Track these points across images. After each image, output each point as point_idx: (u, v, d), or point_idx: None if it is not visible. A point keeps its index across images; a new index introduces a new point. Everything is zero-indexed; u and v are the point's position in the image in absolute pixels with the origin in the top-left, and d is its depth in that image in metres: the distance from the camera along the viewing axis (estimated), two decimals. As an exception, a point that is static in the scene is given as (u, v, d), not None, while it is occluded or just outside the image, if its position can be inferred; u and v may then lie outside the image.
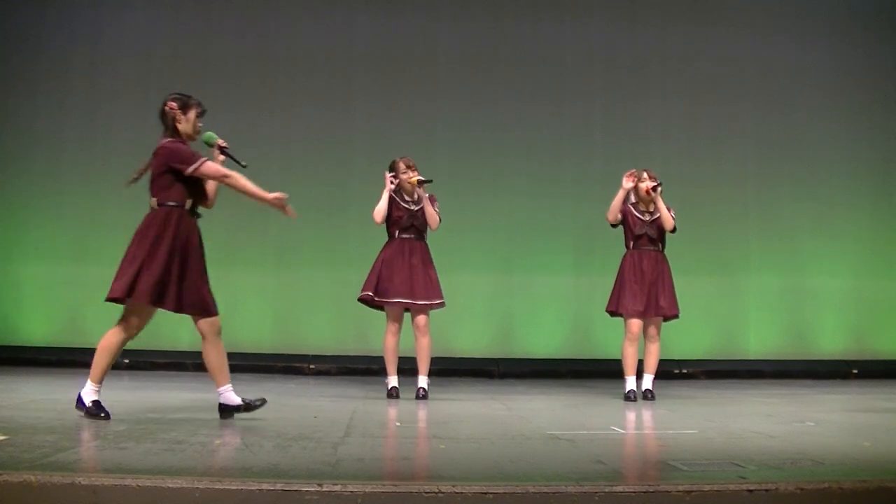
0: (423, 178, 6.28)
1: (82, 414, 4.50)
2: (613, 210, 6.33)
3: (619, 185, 6.34)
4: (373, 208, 6.24)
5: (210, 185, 4.75)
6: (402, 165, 6.35)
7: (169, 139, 4.63)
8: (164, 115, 4.66)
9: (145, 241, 4.50)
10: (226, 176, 4.63)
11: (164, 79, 8.85)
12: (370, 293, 6.18)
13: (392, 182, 6.27)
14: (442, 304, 6.29)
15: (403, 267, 6.20)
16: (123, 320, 4.58)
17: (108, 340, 4.55)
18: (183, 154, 4.58)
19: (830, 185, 9.10)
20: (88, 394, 4.54)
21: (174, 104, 4.65)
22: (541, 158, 8.90)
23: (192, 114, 4.68)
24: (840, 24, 9.33)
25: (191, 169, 4.54)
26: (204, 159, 4.62)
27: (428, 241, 6.38)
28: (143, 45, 8.91)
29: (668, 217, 6.29)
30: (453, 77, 9.00)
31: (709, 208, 8.81)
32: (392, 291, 6.18)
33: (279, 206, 4.65)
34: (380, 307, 6.32)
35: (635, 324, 6.27)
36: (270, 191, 4.64)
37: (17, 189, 8.72)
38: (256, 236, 8.70)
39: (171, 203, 4.56)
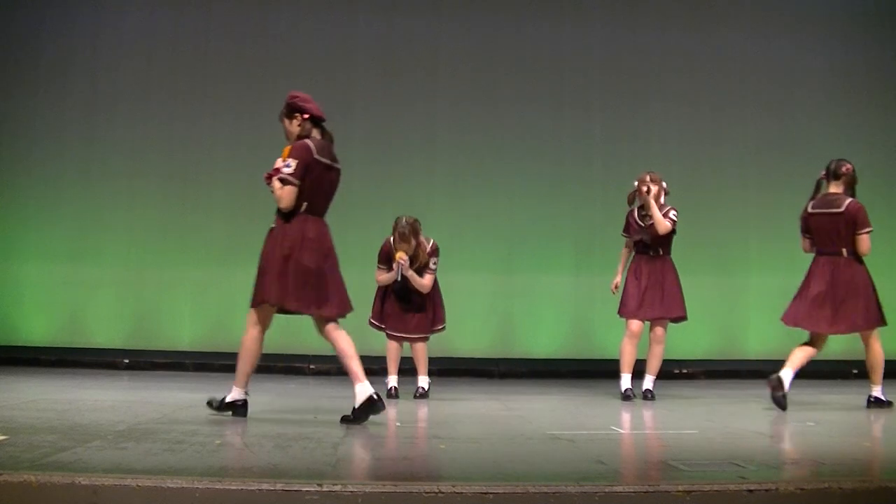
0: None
1: None
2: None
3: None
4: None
5: None
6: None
7: (852, 199, 5.89)
8: (852, 181, 5.92)
9: None
10: None
11: (164, 79, 8.87)
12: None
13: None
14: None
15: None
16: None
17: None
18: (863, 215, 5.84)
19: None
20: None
21: (851, 168, 5.88)
22: (541, 158, 8.89)
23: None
24: (840, 25, 9.32)
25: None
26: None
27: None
28: (143, 45, 8.91)
29: (660, 221, 6.25)
30: (453, 77, 8.99)
31: (709, 208, 8.80)
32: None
33: None
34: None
35: (634, 323, 6.29)
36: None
37: (17, 189, 8.72)
38: (257, 237, 8.67)
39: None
